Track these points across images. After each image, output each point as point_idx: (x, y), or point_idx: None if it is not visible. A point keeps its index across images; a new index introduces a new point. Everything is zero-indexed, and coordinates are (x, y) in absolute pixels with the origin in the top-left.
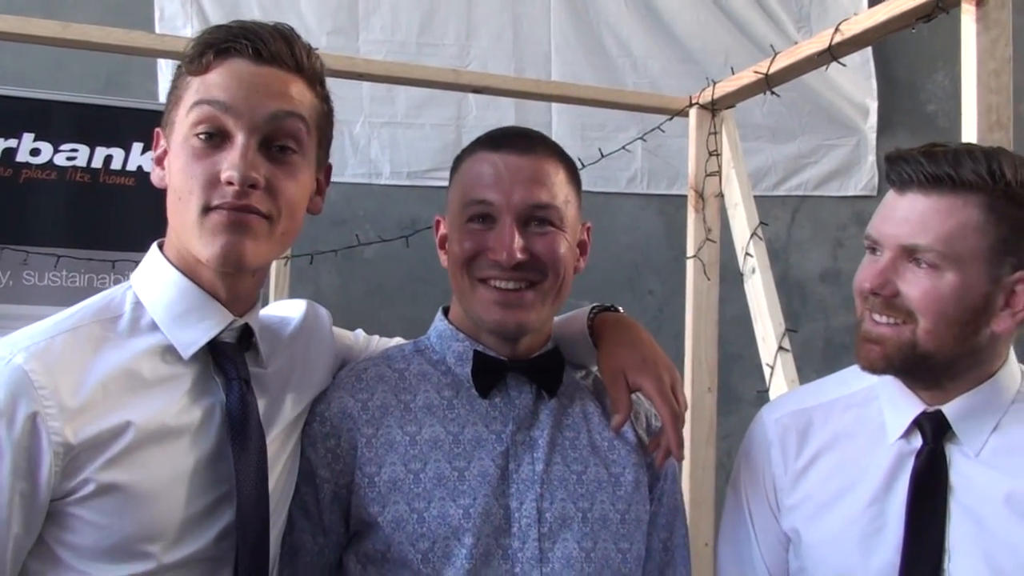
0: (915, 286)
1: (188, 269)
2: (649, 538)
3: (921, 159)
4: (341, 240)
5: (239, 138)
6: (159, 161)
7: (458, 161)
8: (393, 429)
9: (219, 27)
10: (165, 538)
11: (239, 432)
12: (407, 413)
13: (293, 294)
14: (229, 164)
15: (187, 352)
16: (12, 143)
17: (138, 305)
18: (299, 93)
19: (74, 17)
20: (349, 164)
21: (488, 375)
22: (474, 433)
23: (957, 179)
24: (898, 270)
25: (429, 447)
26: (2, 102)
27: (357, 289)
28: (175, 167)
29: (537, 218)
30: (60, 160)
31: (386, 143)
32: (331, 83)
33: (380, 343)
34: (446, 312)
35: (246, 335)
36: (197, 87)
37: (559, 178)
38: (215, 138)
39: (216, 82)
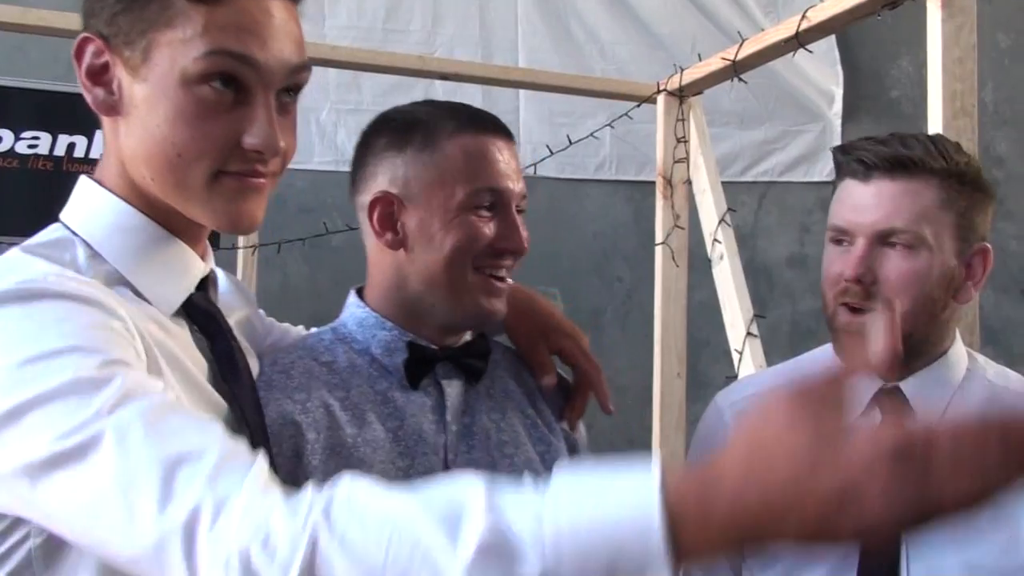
0: (893, 269)
1: (153, 211)
2: None
3: (879, 146)
4: (309, 228)
5: (260, 97)
6: (96, 77)
7: (429, 138)
8: (334, 431)
9: None
10: None
11: (234, 381)
12: (345, 412)
13: (260, 283)
14: (258, 132)
15: (169, 310)
16: None
17: (94, 256)
18: (301, 32)
19: (33, 3)
20: (316, 151)
21: (421, 366)
22: (415, 425)
23: (918, 161)
24: (874, 256)
25: (371, 448)
26: None
27: (325, 278)
28: (163, 112)
29: (521, 207)
30: (22, 148)
31: (353, 130)
32: None
33: (284, 327)
34: (359, 295)
35: (202, 280)
36: (205, 25)
37: None
38: (229, 88)
39: (233, 25)
